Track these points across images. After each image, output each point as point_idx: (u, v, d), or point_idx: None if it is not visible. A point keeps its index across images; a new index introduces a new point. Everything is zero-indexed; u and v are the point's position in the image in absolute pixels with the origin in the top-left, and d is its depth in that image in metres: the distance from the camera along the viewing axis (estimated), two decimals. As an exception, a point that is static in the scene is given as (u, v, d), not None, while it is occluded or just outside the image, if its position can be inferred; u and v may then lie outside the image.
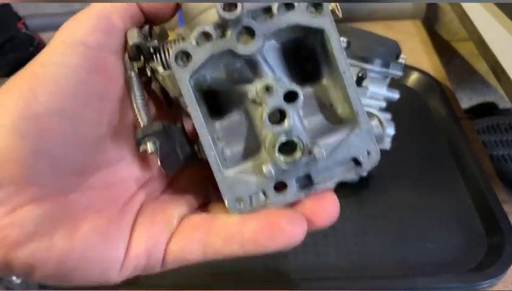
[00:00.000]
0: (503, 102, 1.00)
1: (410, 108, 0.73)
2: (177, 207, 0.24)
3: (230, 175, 0.22)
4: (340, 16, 0.24)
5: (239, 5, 0.20)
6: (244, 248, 0.22)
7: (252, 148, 0.23)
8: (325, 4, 0.23)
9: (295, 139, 0.22)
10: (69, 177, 0.21)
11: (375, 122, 0.23)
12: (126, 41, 0.23)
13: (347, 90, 0.23)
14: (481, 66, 0.96)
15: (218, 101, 0.24)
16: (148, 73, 0.24)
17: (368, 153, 0.23)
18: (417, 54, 0.86)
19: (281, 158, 0.22)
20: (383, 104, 0.54)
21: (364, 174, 0.59)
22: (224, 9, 0.21)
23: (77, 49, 0.21)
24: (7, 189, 0.19)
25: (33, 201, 0.20)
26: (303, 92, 0.22)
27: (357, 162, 0.23)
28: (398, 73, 0.55)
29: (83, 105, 0.21)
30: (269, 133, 0.22)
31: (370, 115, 0.23)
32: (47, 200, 0.20)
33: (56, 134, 0.20)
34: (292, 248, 0.57)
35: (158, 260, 0.23)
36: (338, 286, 0.50)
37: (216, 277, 0.53)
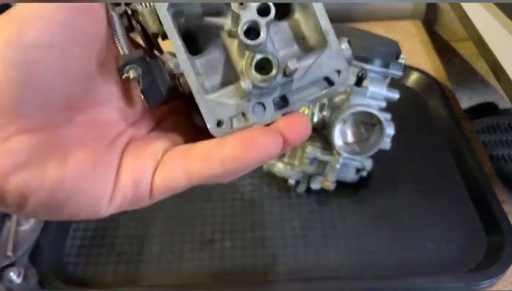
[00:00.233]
0: (503, 102, 1.00)
1: (410, 108, 0.73)
2: (162, 143, 0.25)
3: (211, 99, 0.24)
4: None
5: None
6: (224, 165, 0.22)
7: (230, 81, 0.25)
8: None
9: (270, 57, 0.23)
10: (57, 111, 0.22)
11: (345, 45, 0.25)
12: None
13: (317, 17, 0.24)
14: (481, 67, 0.97)
15: (195, 42, 0.25)
16: (129, 12, 0.25)
17: (339, 71, 0.25)
18: (417, 54, 0.86)
19: (258, 76, 0.23)
20: (383, 104, 0.54)
21: (365, 174, 0.59)
22: None
23: None
24: None
25: (24, 132, 0.20)
26: (277, 26, 0.23)
27: (329, 81, 0.25)
28: (398, 73, 0.55)
29: (72, 39, 0.21)
30: (246, 56, 0.23)
31: (341, 39, 0.25)
32: (37, 132, 0.21)
33: (44, 65, 0.21)
34: (292, 247, 0.57)
35: (145, 192, 0.23)
36: (338, 286, 0.51)
37: (216, 277, 0.53)
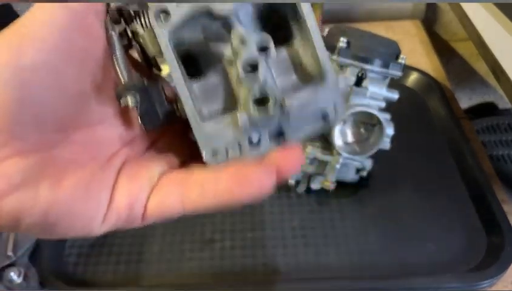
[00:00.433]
0: (503, 102, 1.01)
1: (410, 108, 0.73)
2: (158, 165, 0.25)
3: (207, 127, 0.24)
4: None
5: None
6: (219, 198, 0.23)
7: (228, 108, 0.25)
8: None
9: (268, 91, 0.23)
10: (52, 131, 0.22)
11: (341, 78, 0.25)
12: (108, 4, 0.24)
13: (315, 48, 0.24)
14: (480, 67, 0.97)
15: (195, 65, 0.26)
16: (129, 34, 0.25)
17: (335, 106, 0.25)
18: (417, 54, 0.86)
19: (255, 110, 0.23)
20: (383, 104, 0.54)
21: (365, 174, 0.59)
22: None
23: (62, 10, 0.22)
24: None
25: (18, 154, 0.20)
26: (276, 52, 0.23)
27: (325, 114, 0.25)
28: (398, 73, 0.55)
29: (67, 59, 0.22)
30: (244, 87, 0.24)
31: (337, 72, 0.25)
32: (32, 154, 0.21)
33: (40, 85, 0.21)
34: (292, 247, 0.57)
35: (139, 214, 0.24)
36: (338, 286, 0.51)
37: (216, 277, 0.53)
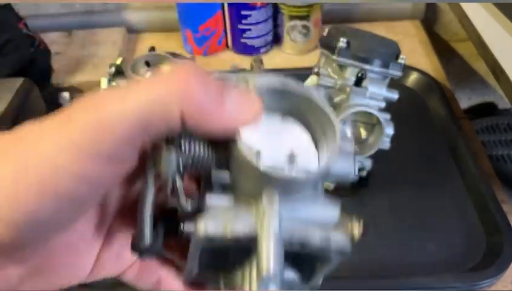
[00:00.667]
0: (503, 102, 1.01)
1: (410, 108, 0.73)
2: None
3: None
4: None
5: None
6: None
7: None
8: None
9: None
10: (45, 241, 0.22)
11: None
12: (156, 154, 0.20)
13: None
14: (480, 67, 0.97)
15: (224, 259, 0.24)
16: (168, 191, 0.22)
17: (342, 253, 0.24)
18: (416, 54, 0.87)
19: None
20: (383, 104, 0.54)
21: (364, 174, 0.59)
22: None
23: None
24: None
25: (18, 262, 0.22)
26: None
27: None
28: (398, 73, 0.55)
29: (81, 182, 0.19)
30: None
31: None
32: (29, 260, 0.22)
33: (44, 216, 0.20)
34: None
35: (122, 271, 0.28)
36: (338, 286, 0.51)
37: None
